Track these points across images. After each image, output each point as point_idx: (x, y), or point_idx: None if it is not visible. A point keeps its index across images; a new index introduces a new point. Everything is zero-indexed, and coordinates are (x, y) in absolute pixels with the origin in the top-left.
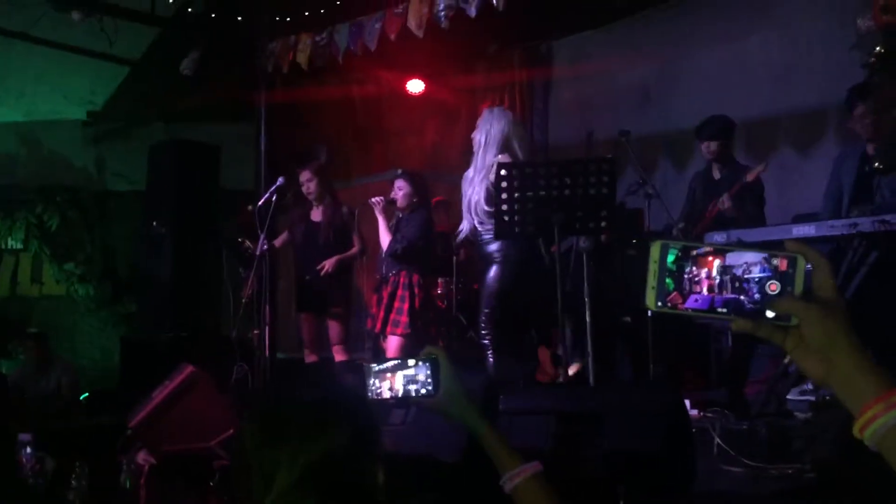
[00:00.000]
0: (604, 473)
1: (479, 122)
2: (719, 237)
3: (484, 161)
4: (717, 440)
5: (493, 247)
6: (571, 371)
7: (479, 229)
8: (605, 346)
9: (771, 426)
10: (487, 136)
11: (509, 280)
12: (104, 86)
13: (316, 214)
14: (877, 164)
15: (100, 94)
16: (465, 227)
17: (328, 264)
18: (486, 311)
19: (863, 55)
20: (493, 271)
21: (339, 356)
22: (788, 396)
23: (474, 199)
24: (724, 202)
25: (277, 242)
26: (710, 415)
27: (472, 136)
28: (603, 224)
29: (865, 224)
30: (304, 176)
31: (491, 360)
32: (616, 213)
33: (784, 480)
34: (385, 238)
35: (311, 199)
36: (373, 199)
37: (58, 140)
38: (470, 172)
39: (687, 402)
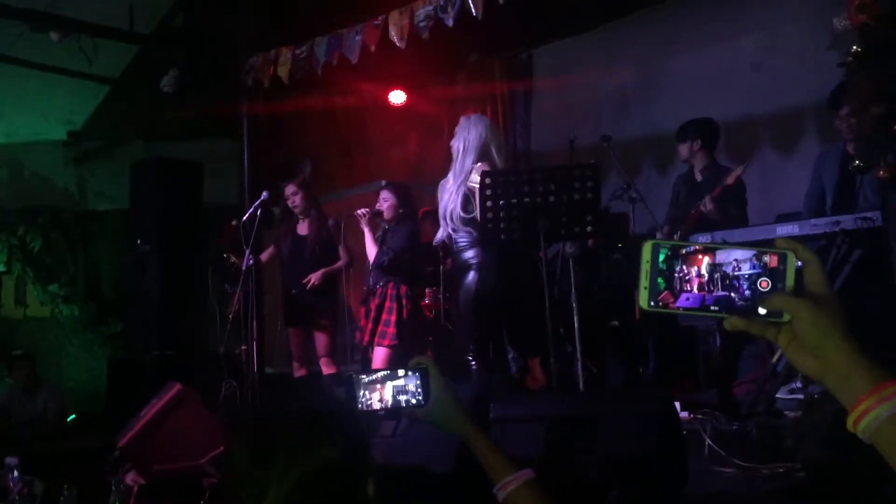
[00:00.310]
0: (597, 478)
1: (457, 129)
2: (704, 238)
3: (462, 167)
4: (708, 441)
5: (469, 254)
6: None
7: (455, 237)
8: (593, 350)
9: (761, 426)
10: (465, 142)
11: (487, 286)
12: (84, 105)
13: (302, 228)
14: (857, 163)
15: (80, 113)
16: (440, 234)
17: (314, 277)
18: (466, 319)
19: (840, 55)
20: (469, 278)
21: (326, 369)
22: (777, 395)
23: (450, 206)
24: (706, 205)
25: (264, 257)
26: (700, 416)
27: (451, 143)
28: (588, 229)
29: (848, 222)
30: (290, 189)
31: (474, 368)
32: (601, 218)
33: (776, 480)
34: (371, 250)
35: (297, 213)
36: (358, 212)
37: (39, 161)
38: (448, 180)
39: (677, 405)
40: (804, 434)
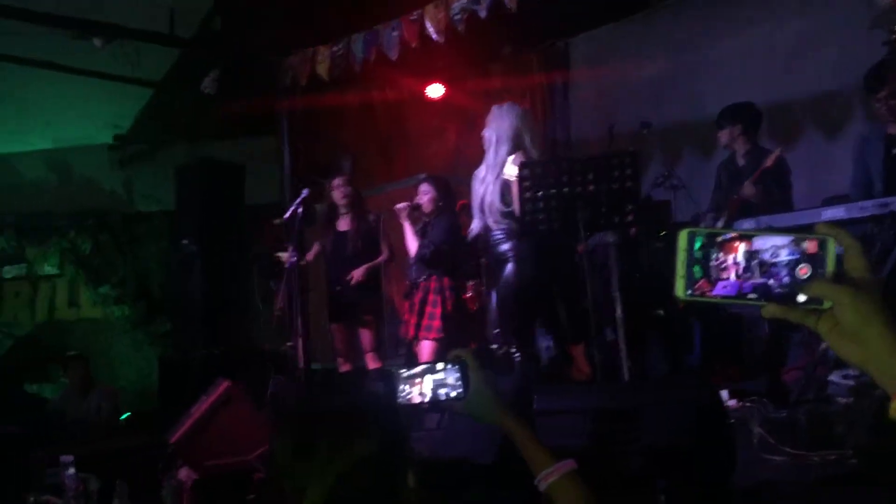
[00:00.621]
0: (641, 469)
1: (489, 119)
2: (748, 224)
3: (496, 158)
4: (757, 429)
5: (506, 246)
6: None
7: (493, 228)
8: (638, 340)
9: (811, 413)
10: (498, 133)
11: (526, 277)
12: (129, 109)
13: (343, 224)
14: None
15: (125, 117)
16: (476, 226)
17: (357, 273)
18: (505, 310)
19: (883, 32)
20: (508, 270)
21: (372, 364)
22: (830, 379)
23: (488, 198)
24: (747, 188)
25: (310, 256)
26: (748, 404)
27: (483, 133)
28: (629, 218)
29: None
30: (336, 182)
31: (517, 360)
32: (642, 206)
33: (827, 467)
34: (412, 244)
35: (342, 207)
36: (398, 206)
37: (86, 165)
38: (482, 171)
39: (724, 393)
40: (854, 421)
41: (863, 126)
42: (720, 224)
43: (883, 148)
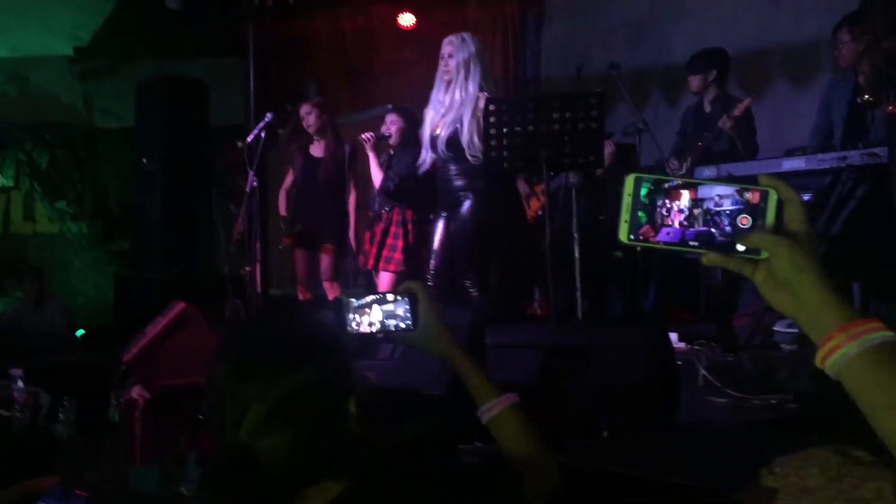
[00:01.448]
0: (588, 407)
1: (450, 49)
2: (709, 171)
3: (466, 93)
4: (703, 372)
5: (459, 182)
6: None
7: (446, 164)
8: (595, 281)
9: (756, 358)
10: (465, 64)
11: (483, 215)
12: (90, 21)
13: (316, 150)
14: (866, 97)
15: (86, 29)
16: (427, 159)
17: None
18: (462, 247)
19: None
20: (465, 207)
21: (331, 293)
22: (776, 328)
23: (443, 133)
24: (726, 122)
25: (286, 186)
26: (697, 347)
27: (447, 63)
28: (591, 159)
29: (855, 157)
30: (304, 109)
31: (473, 295)
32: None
33: (767, 411)
34: (377, 175)
35: (312, 133)
36: (363, 136)
37: (44, 76)
38: (443, 102)
39: (675, 336)
40: (797, 367)
41: (834, 76)
42: (684, 170)
43: (849, 96)
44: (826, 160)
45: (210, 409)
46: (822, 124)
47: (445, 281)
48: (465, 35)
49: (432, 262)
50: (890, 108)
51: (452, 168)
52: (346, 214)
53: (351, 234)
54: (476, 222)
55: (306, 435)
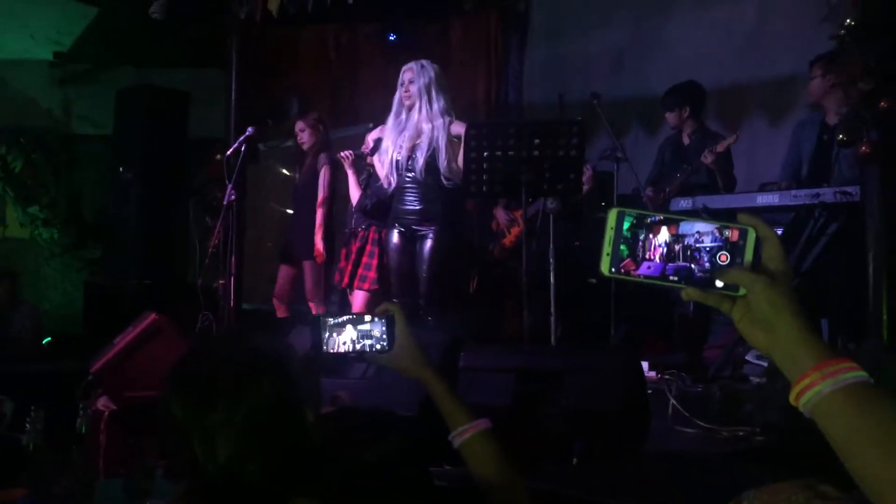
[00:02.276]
0: (562, 431)
1: (411, 75)
2: (685, 202)
3: (429, 116)
4: (672, 401)
5: (420, 206)
6: None
7: (411, 188)
8: (569, 306)
9: (725, 389)
10: (428, 87)
11: (447, 241)
12: (72, 26)
13: (305, 167)
14: (840, 137)
15: (67, 34)
16: (391, 181)
17: (317, 246)
18: (428, 274)
19: (833, 27)
20: (430, 234)
21: (315, 309)
22: (747, 358)
23: (400, 156)
24: (707, 157)
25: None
26: (667, 377)
27: (408, 89)
28: (571, 186)
29: (828, 194)
30: (298, 126)
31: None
32: (582, 175)
33: (734, 442)
34: (355, 193)
35: (305, 150)
36: (342, 154)
37: (23, 80)
38: (397, 127)
39: (646, 364)
40: (765, 400)
41: (804, 113)
42: (660, 200)
43: (816, 134)
44: (799, 196)
45: (173, 446)
46: (792, 161)
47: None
48: (424, 62)
49: (396, 280)
50: (864, 148)
51: (415, 191)
52: (331, 230)
53: (318, 246)
54: (441, 249)
55: (274, 453)
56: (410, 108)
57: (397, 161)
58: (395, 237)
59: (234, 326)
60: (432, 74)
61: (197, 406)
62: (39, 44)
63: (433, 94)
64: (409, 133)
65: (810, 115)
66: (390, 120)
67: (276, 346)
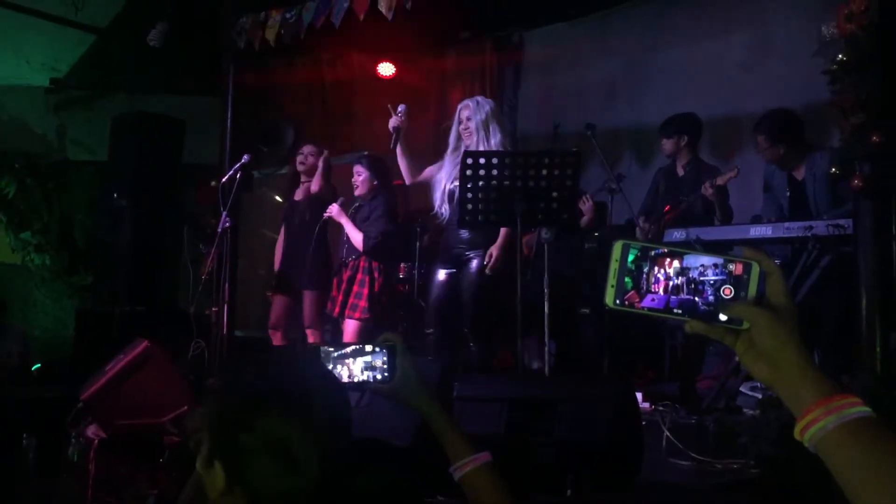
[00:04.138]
0: (554, 461)
1: (468, 111)
2: (679, 234)
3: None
4: (666, 433)
5: (467, 236)
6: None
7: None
8: (562, 336)
9: (718, 421)
10: (484, 122)
11: (494, 279)
12: (68, 53)
13: (299, 193)
14: (833, 170)
15: (63, 60)
16: (443, 211)
17: (333, 210)
18: (472, 303)
19: (825, 62)
20: (474, 265)
21: (312, 338)
22: (741, 389)
23: (453, 187)
24: (707, 189)
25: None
26: (661, 408)
27: (467, 125)
28: (565, 216)
29: (820, 227)
30: (307, 149)
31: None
32: (576, 205)
33: (728, 474)
34: (356, 236)
35: (303, 173)
36: (329, 211)
37: (18, 106)
38: (451, 161)
39: (639, 395)
40: (759, 432)
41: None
42: (651, 230)
43: (786, 181)
44: (793, 229)
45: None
46: (772, 206)
47: (441, 332)
48: (480, 98)
49: (429, 313)
50: (856, 182)
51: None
52: (329, 259)
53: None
54: (483, 278)
55: (301, 479)
56: (469, 144)
57: (451, 191)
58: (440, 275)
59: (282, 350)
60: (488, 109)
61: (233, 425)
62: (35, 69)
63: (490, 128)
64: (452, 166)
65: (774, 167)
66: (447, 154)
67: (323, 372)
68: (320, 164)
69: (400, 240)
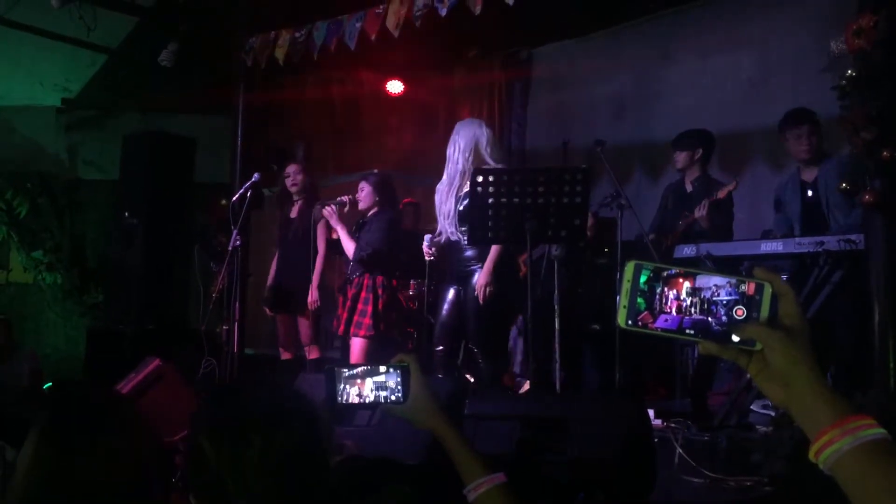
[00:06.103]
0: (566, 479)
1: (452, 135)
2: (689, 250)
3: (456, 170)
4: (679, 450)
5: (470, 253)
6: (523, 390)
7: (454, 239)
8: (572, 353)
9: (731, 438)
10: (456, 145)
11: (503, 294)
12: (80, 73)
13: (294, 211)
14: (844, 185)
15: (75, 81)
16: (444, 231)
17: (311, 296)
18: (477, 318)
19: (834, 77)
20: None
21: (311, 355)
22: (752, 407)
23: (445, 208)
24: (700, 210)
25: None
26: (673, 425)
27: (448, 148)
28: (575, 233)
29: (831, 243)
30: (292, 168)
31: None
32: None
33: (742, 492)
34: (349, 245)
35: (295, 195)
36: (325, 210)
37: (30, 126)
38: (443, 183)
39: (651, 412)
40: (772, 450)
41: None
42: (662, 246)
43: (799, 193)
44: (804, 244)
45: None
46: (782, 222)
47: (449, 348)
48: (467, 119)
49: (437, 330)
50: (867, 197)
51: (463, 240)
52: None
53: (314, 295)
54: (495, 300)
55: (301, 491)
56: (447, 163)
57: (445, 213)
58: (449, 293)
59: (255, 375)
60: (464, 133)
61: (232, 442)
62: (47, 90)
63: (460, 150)
64: (444, 188)
65: (789, 175)
66: (444, 177)
67: (298, 394)
68: (321, 230)
69: (400, 254)
